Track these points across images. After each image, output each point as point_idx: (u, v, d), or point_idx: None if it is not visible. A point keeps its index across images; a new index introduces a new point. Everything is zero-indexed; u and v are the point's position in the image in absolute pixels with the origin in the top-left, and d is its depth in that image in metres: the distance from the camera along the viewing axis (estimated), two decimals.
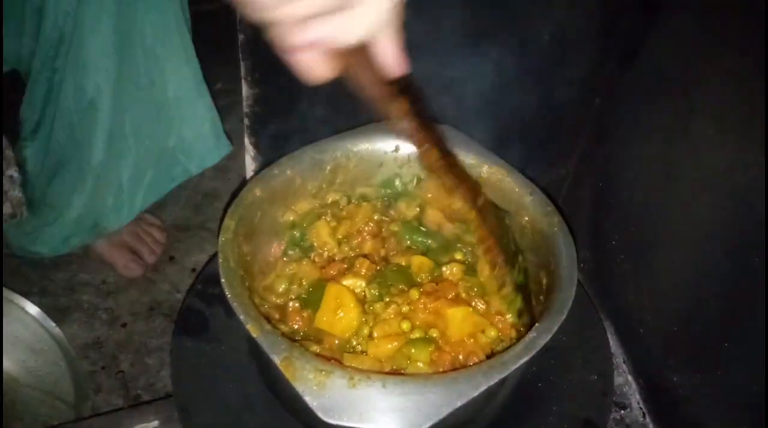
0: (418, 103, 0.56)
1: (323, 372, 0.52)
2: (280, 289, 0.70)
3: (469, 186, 0.66)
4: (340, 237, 0.76)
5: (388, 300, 0.67)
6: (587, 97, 0.89)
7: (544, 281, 0.67)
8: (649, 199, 0.80)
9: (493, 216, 0.68)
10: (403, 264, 0.72)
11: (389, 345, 0.62)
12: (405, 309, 0.66)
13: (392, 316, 0.65)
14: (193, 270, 1.23)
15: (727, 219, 0.66)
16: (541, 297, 0.66)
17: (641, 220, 0.82)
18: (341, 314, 0.64)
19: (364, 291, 0.68)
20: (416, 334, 0.63)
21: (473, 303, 0.67)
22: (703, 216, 0.69)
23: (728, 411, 0.66)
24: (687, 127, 0.72)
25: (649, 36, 0.79)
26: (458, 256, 0.75)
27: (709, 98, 0.69)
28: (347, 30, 0.46)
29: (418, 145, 0.59)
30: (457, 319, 0.64)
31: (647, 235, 0.81)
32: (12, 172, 1.03)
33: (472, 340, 0.63)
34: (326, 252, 0.75)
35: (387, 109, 0.54)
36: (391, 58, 0.50)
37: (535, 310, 0.67)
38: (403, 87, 0.53)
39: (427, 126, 0.59)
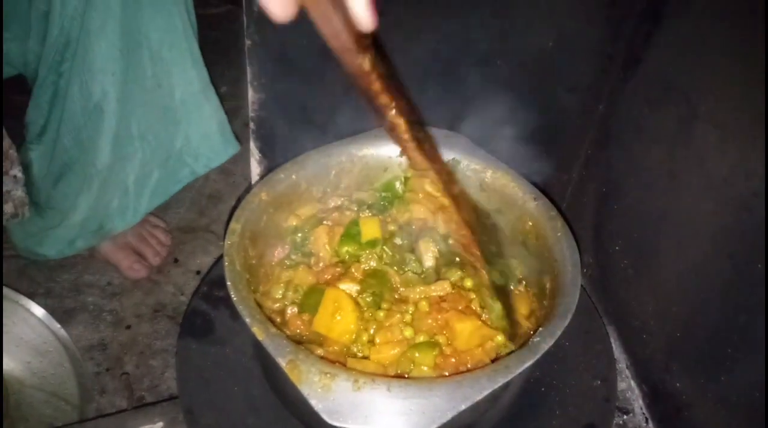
0: (385, 62, 0.53)
1: (328, 375, 0.52)
2: (277, 295, 0.70)
3: (442, 169, 0.64)
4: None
5: (386, 307, 0.67)
6: (591, 104, 0.90)
7: (548, 286, 0.68)
8: (651, 204, 0.80)
9: (470, 208, 0.68)
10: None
11: (392, 351, 0.62)
12: (408, 318, 0.66)
13: (395, 324, 0.65)
14: (198, 272, 1.23)
15: (729, 226, 0.66)
16: (545, 302, 0.67)
17: (644, 226, 0.82)
18: (339, 318, 0.64)
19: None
20: (420, 338, 0.64)
21: (483, 317, 0.67)
22: (705, 222, 0.70)
23: (731, 416, 0.66)
24: (689, 134, 0.72)
25: (652, 43, 0.79)
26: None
27: (711, 105, 0.69)
28: None
29: (383, 107, 0.55)
30: (466, 334, 0.64)
31: (650, 241, 0.81)
32: (16, 171, 1.03)
33: (479, 349, 0.63)
34: (322, 259, 0.75)
35: (350, 64, 0.50)
36: (360, 9, 0.46)
37: (520, 315, 0.68)
38: (371, 43, 0.49)
39: (394, 89, 0.54)
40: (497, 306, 0.67)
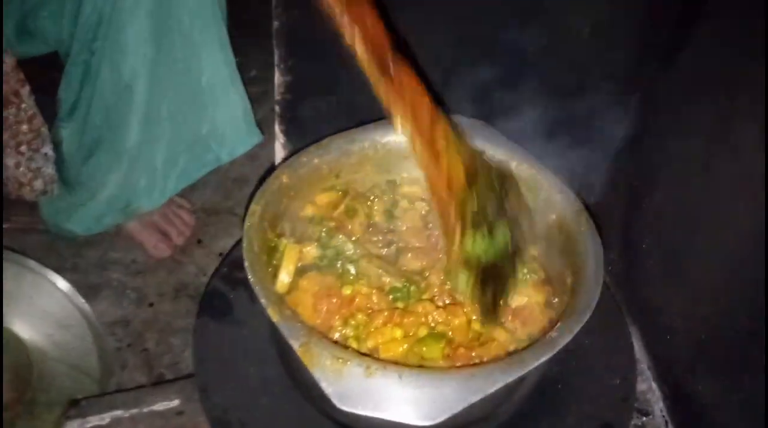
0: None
1: (340, 360, 0.52)
2: None
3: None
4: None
5: (370, 311, 0.65)
6: (625, 94, 0.87)
7: (569, 281, 0.66)
8: (684, 201, 0.78)
9: (464, 154, 0.60)
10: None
11: (400, 348, 0.61)
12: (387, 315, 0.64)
13: (381, 326, 0.63)
14: (220, 254, 1.24)
15: (765, 226, 0.63)
16: (565, 297, 0.65)
17: (675, 223, 0.80)
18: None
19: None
20: (423, 331, 0.62)
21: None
22: (739, 221, 0.67)
23: (756, 424, 0.63)
24: (728, 129, 0.70)
25: (693, 32, 0.76)
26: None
27: (753, 100, 0.66)
28: None
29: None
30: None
31: (680, 239, 0.78)
32: (47, 149, 1.05)
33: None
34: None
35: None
36: None
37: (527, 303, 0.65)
38: None
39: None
40: (462, 278, 0.59)
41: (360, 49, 0.59)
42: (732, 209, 0.69)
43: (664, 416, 0.79)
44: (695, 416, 0.73)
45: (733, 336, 0.67)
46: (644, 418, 0.79)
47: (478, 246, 0.57)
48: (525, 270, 0.69)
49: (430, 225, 0.76)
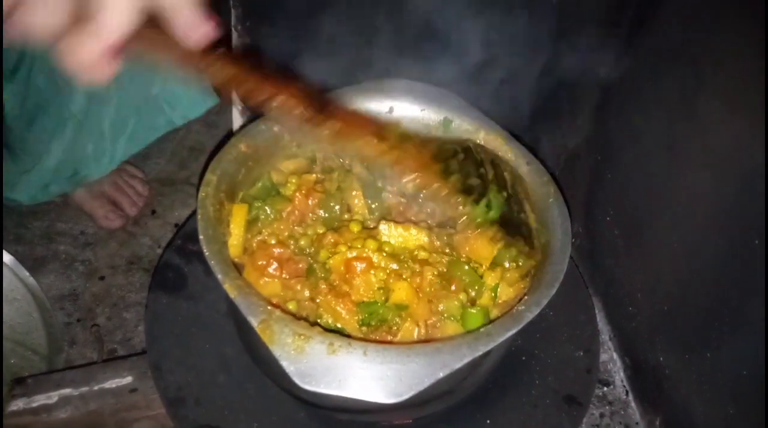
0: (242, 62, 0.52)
1: (302, 337, 0.50)
2: None
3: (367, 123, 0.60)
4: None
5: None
6: (593, 67, 0.86)
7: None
8: (648, 175, 0.77)
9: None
10: None
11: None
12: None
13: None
14: (176, 225, 1.19)
15: (728, 201, 0.63)
16: (532, 270, 0.64)
17: (638, 197, 0.80)
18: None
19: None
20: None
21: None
22: (703, 195, 0.67)
23: (714, 393, 0.65)
24: (694, 104, 0.69)
25: (662, 6, 0.75)
26: None
27: (719, 75, 0.66)
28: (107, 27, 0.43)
29: (270, 98, 0.53)
30: None
31: (644, 212, 0.78)
32: None
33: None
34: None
35: (215, 76, 0.50)
36: (187, 28, 0.47)
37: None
38: (220, 53, 0.50)
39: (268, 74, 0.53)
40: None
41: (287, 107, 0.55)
42: (695, 185, 0.69)
43: (624, 386, 0.81)
44: (655, 386, 0.74)
45: (694, 310, 0.68)
46: (605, 388, 0.80)
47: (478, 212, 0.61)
48: (513, 262, 0.66)
49: None
